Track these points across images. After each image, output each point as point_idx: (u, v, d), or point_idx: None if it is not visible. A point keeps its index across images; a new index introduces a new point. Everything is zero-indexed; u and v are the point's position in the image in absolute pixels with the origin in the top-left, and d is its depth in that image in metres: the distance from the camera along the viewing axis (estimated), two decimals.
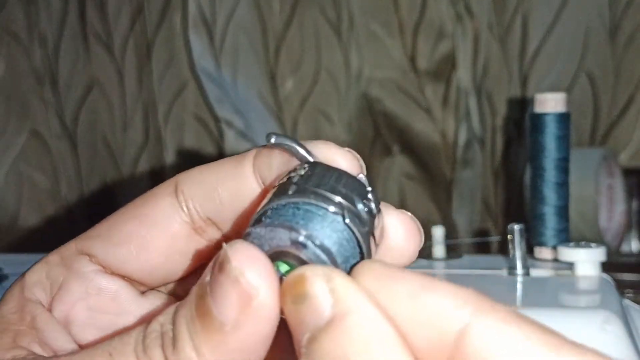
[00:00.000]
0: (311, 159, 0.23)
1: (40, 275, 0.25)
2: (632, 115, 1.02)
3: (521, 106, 1.06)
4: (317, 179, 0.21)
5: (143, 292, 0.26)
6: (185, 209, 0.25)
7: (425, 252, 0.67)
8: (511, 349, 0.17)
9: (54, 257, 0.26)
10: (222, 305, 0.18)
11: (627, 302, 0.52)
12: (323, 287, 0.18)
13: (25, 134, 1.29)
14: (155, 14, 1.19)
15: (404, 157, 1.12)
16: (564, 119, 0.65)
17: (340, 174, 0.22)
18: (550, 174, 0.65)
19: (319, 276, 0.18)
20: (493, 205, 1.10)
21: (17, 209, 1.31)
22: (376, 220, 0.22)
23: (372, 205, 0.22)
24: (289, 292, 0.18)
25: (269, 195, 0.21)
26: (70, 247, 0.26)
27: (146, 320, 0.21)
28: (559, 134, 0.65)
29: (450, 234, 0.73)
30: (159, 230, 0.25)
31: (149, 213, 0.25)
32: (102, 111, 1.25)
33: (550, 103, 0.65)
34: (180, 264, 0.25)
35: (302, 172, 0.22)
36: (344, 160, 0.23)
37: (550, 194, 0.65)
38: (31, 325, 0.23)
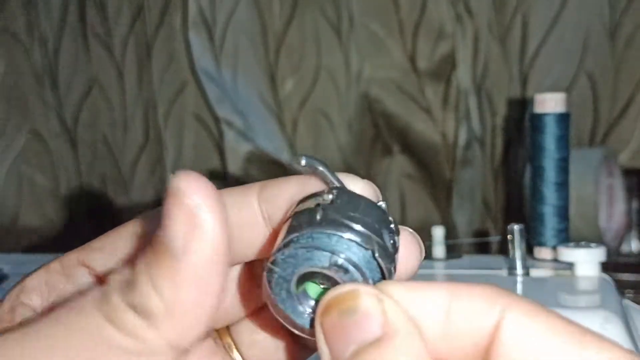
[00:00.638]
0: (338, 185, 0.23)
1: (40, 281, 0.25)
2: (632, 115, 1.02)
3: (521, 106, 1.06)
4: (347, 208, 0.22)
5: None
6: None
7: (425, 253, 0.67)
8: (541, 340, 0.19)
9: (55, 265, 0.26)
10: (171, 231, 0.18)
11: (627, 302, 0.52)
12: (375, 304, 0.19)
13: (25, 134, 1.29)
14: (155, 14, 1.19)
15: (404, 157, 1.12)
16: (564, 119, 0.65)
17: (367, 203, 0.23)
18: (550, 174, 0.65)
19: (372, 295, 0.20)
20: (493, 205, 1.10)
21: (17, 209, 1.31)
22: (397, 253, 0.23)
23: (396, 238, 0.23)
24: (337, 304, 0.19)
25: (294, 218, 0.22)
26: (72, 257, 0.26)
27: None
28: (559, 134, 0.65)
29: (450, 234, 0.73)
30: None
31: (149, 233, 0.24)
32: (102, 111, 1.25)
33: (550, 103, 0.65)
34: None
35: (330, 198, 0.22)
36: (366, 192, 0.24)
37: (550, 194, 0.65)
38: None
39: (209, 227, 0.18)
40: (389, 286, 0.20)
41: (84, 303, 0.20)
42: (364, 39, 1.11)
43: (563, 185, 0.66)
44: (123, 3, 1.21)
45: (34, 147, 1.29)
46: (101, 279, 0.25)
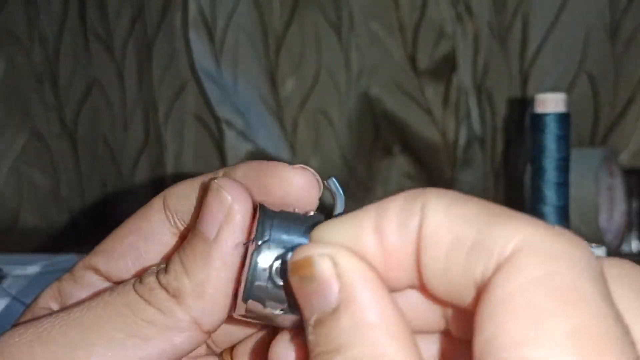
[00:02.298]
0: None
1: (54, 291, 0.28)
2: (632, 116, 1.02)
3: (521, 106, 1.06)
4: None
5: None
6: (172, 221, 0.26)
7: None
8: (455, 230, 0.18)
9: (66, 275, 0.28)
10: (207, 220, 0.21)
11: None
12: (330, 270, 0.18)
13: (25, 134, 1.29)
14: (155, 14, 1.19)
15: (404, 157, 1.12)
16: (564, 119, 0.65)
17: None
18: (551, 174, 0.65)
19: (325, 257, 0.19)
20: None
21: (17, 209, 1.31)
22: None
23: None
24: (296, 271, 0.19)
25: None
26: (79, 265, 0.28)
27: None
28: (560, 134, 0.65)
29: None
30: (152, 243, 0.27)
31: (143, 226, 0.27)
32: (102, 111, 1.25)
33: (551, 103, 0.65)
34: None
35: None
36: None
37: (550, 194, 0.65)
38: None
39: (240, 218, 0.21)
40: (331, 234, 0.19)
41: (124, 286, 0.23)
42: (364, 39, 1.11)
43: (563, 186, 0.66)
44: (123, 3, 1.21)
45: (34, 147, 1.29)
46: (108, 278, 0.27)
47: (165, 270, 0.22)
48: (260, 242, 0.21)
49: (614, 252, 0.91)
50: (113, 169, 1.26)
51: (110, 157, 1.26)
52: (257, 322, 0.23)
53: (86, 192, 1.28)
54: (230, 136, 1.17)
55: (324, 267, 0.18)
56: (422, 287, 0.19)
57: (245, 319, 0.22)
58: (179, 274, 0.21)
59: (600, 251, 0.55)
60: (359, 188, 1.14)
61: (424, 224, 0.18)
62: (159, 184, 1.23)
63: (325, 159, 1.15)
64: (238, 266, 0.22)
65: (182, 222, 0.26)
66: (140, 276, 0.23)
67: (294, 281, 0.19)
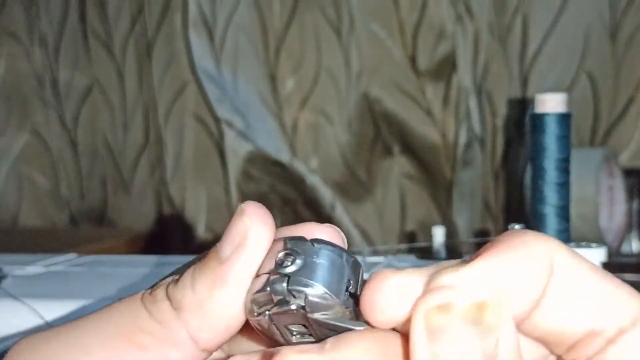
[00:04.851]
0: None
1: None
2: (632, 116, 1.02)
3: (521, 106, 1.06)
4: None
5: None
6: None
7: (425, 253, 0.68)
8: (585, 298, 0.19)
9: None
10: (225, 241, 0.21)
11: None
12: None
13: (25, 134, 1.29)
14: (155, 15, 1.19)
15: (405, 158, 1.12)
16: (564, 119, 0.65)
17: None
18: (551, 174, 0.65)
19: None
20: (493, 206, 1.10)
21: (17, 209, 1.31)
22: None
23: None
24: (428, 319, 0.18)
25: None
26: None
27: None
28: (560, 134, 0.65)
29: (450, 234, 0.73)
30: None
31: None
32: (102, 111, 1.25)
33: (551, 103, 0.65)
34: None
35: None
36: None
37: (550, 194, 0.65)
38: None
39: (253, 244, 0.21)
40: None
41: (133, 296, 0.23)
42: (364, 39, 1.11)
43: (564, 186, 0.66)
44: (123, 3, 1.21)
45: (34, 147, 1.29)
46: None
47: (177, 281, 0.22)
48: (280, 273, 0.20)
49: (615, 252, 0.91)
50: (113, 169, 1.26)
51: (111, 157, 1.26)
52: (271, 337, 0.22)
53: (86, 192, 1.28)
54: (230, 136, 1.17)
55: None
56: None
57: (258, 331, 0.22)
58: (185, 287, 0.21)
59: (601, 251, 0.55)
60: (359, 188, 1.14)
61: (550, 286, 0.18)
62: (159, 184, 1.23)
63: (325, 159, 1.15)
64: (254, 289, 0.21)
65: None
66: (154, 285, 0.23)
67: (416, 333, 0.18)
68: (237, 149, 1.17)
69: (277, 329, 0.21)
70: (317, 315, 0.20)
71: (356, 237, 1.14)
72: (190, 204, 1.22)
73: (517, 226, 0.57)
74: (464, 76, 1.07)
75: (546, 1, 1.03)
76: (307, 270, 0.20)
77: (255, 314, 0.21)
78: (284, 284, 0.20)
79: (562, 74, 1.03)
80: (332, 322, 0.20)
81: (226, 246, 0.21)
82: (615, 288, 0.19)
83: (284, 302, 0.20)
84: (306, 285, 0.20)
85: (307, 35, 1.13)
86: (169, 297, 0.22)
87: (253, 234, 0.21)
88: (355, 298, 0.20)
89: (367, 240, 1.14)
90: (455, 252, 0.68)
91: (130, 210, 1.25)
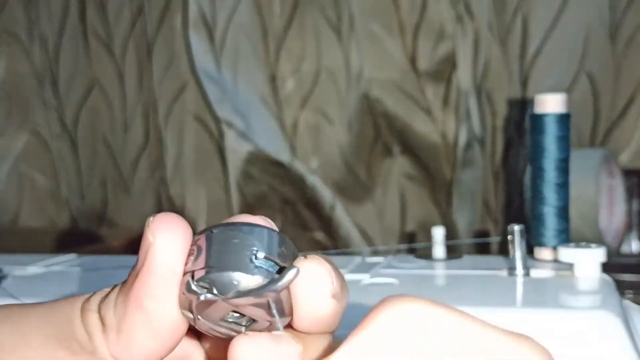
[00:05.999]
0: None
1: None
2: (632, 116, 1.02)
3: (521, 107, 1.06)
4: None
5: None
6: None
7: (425, 253, 0.68)
8: None
9: None
10: (138, 259, 0.21)
11: (627, 302, 0.52)
12: None
13: (25, 134, 1.29)
14: (155, 15, 1.19)
15: (405, 158, 1.12)
16: (564, 119, 0.65)
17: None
18: (551, 174, 0.65)
19: None
20: (493, 206, 1.10)
21: (17, 209, 1.31)
22: None
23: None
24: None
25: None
26: None
27: None
28: (559, 134, 0.65)
29: (450, 235, 0.73)
30: None
31: None
32: (102, 111, 1.25)
33: (551, 104, 0.65)
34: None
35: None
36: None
37: (550, 195, 0.65)
38: None
39: (157, 265, 0.20)
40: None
41: (79, 296, 0.22)
42: (364, 39, 1.11)
43: (563, 186, 0.66)
44: (123, 3, 1.21)
45: (34, 147, 1.29)
46: None
47: (107, 294, 0.22)
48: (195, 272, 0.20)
49: (614, 252, 0.91)
50: (113, 169, 1.26)
51: (110, 157, 1.26)
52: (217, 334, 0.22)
53: (86, 192, 1.28)
54: (230, 136, 1.17)
55: None
56: None
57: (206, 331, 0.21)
58: (109, 304, 0.21)
59: (600, 251, 0.55)
60: (359, 188, 1.14)
61: None
62: (159, 184, 1.23)
63: (325, 159, 1.15)
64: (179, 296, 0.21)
65: None
66: (95, 292, 0.23)
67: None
68: (237, 149, 1.17)
69: (220, 325, 0.21)
70: (236, 296, 0.20)
71: (356, 237, 1.14)
72: (190, 204, 1.22)
73: (516, 227, 0.57)
74: (464, 76, 1.07)
75: (546, 1, 1.03)
76: (207, 259, 0.20)
77: (193, 319, 0.21)
78: (190, 281, 0.20)
79: (562, 74, 1.03)
80: (251, 297, 0.20)
81: (138, 263, 0.21)
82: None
83: (198, 298, 0.20)
84: (208, 273, 0.20)
85: (307, 36, 1.13)
86: (99, 310, 0.21)
87: (154, 254, 0.20)
88: (271, 260, 0.20)
89: (367, 240, 1.14)
90: (455, 252, 0.68)
91: (130, 210, 1.25)
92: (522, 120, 1.06)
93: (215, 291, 0.20)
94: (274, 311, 0.20)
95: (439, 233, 0.67)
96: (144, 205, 1.24)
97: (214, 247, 0.21)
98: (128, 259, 0.65)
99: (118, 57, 1.23)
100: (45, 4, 1.25)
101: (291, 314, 0.20)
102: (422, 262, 0.64)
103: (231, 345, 0.19)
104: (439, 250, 0.66)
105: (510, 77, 1.06)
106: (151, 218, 0.21)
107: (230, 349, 0.19)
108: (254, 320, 0.21)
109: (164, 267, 0.20)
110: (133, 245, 1.12)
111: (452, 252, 0.67)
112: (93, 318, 0.21)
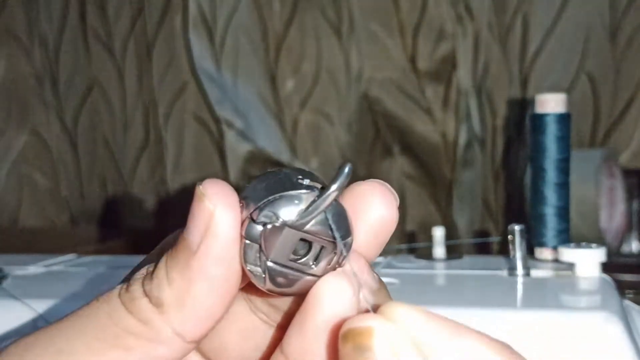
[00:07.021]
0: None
1: None
2: (632, 116, 1.02)
3: (521, 107, 1.06)
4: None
5: None
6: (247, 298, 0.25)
7: (425, 253, 0.68)
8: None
9: None
10: (190, 229, 0.20)
11: (627, 302, 0.52)
12: (386, 348, 0.18)
13: (25, 134, 1.29)
14: (155, 15, 1.19)
15: (405, 158, 1.12)
16: (564, 119, 0.65)
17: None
18: (551, 174, 0.65)
19: (387, 340, 0.18)
20: (493, 206, 1.10)
21: (17, 209, 1.31)
22: None
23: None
24: (353, 337, 0.19)
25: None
26: None
27: None
28: (560, 134, 0.65)
29: (450, 235, 0.73)
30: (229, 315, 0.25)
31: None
32: (102, 111, 1.25)
33: (551, 104, 0.65)
34: (253, 351, 0.26)
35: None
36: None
37: (550, 195, 0.65)
38: None
39: (222, 229, 0.20)
40: (400, 312, 0.19)
41: (111, 291, 0.22)
42: (364, 39, 1.11)
43: (564, 186, 0.66)
44: (123, 3, 1.21)
45: (34, 147, 1.29)
46: None
47: (151, 275, 0.21)
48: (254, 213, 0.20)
49: (615, 252, 0.91)
50: (113, 169, 1.26)
51: (110, 157, 1.26)
52: (287, 291, 0.22)
53: (86, 192, 1.28)
54: (230, 136, 1.17)
55: (383, 346, 0.18)
56: None
57: (274, 291, 0.21)
58: (161, 282, 0.21)
59: (600, 251, 0.55)
60: None
61: None
62: (159, 184, 1.23)
63: (325, 159, 1.15)
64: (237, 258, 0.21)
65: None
66: (128, 280, 0.22)
67: (345, 348, 0.19)
68: (237, 149, 1.17)
69: (290, 268, 0.21)
70: (300, 217, 0.20)
71: None
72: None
73: (517, 227, 0.57)
74: (464, 76, 1.07)
75: (546, 1, 1.03)
76: (258, 199, 0.21)
77: (262, 271, 0.21)
78: (258, 214, 0.20)
79: (562, 74, 1.03)
80: (315, 213, 0.20)
81: (194, 234, 0.20)
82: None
83: (265, 230, 0.20)
84: (266, 205, 0.20)
85: (307, 36, 1.13)
86: (146, 294, 0.21)
87: (219, 218, 0.20)
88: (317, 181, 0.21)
89: None
90: (455, 252, 0.68)
91: (130, 210, 1.25)
92: (522, 120, 1.06)
93: (280, 217, 0.20)
94: (332, 224, 0.20)
95: (439, 233, 0.67)
96: (144, 205, 1.24)
97: (259, 186, 0.21)
98: (128, 259, 0.65)
99: (118, 57, 1.23)
100: (45, 4, 1.25)
101: (352, 232, 0.21)
102: (422, 262, 0.64)
103: (320, 282, 0.20)
104: (439, 250, 0.66)
105: (510, 77, 1.06)
106: (200, 186, 0.21)
107: (319, 286, 0.20)
108: (318, 261, 0.21)
109: (229, 231, 0.20)
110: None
111: (452, 252, 0.67)
112: (143, 304, 0.21)
